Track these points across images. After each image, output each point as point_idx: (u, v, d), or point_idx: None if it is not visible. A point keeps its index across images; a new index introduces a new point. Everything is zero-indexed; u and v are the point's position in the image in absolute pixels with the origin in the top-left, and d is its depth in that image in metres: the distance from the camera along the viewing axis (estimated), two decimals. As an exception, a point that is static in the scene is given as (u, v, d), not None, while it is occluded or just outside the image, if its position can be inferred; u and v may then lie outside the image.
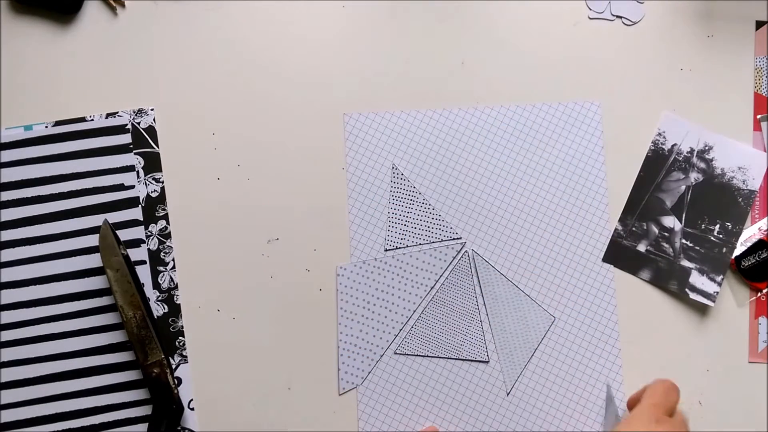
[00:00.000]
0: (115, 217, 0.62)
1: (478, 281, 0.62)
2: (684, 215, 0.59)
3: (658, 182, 0.60)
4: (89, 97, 0.64)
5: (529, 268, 0.63)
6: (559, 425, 0.61)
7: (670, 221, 0.59)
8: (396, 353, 0.62)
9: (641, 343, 0.62)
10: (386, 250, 0.63)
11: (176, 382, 0.61)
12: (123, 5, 0.64)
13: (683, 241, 0.60)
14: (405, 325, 0.62)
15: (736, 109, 0.65)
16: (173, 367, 0.61)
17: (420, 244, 0.63)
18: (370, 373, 0.61)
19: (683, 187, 0.61)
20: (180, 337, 0.61)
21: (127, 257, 0.61)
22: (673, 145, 0.61)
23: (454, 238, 0.63)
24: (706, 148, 0.61)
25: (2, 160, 0.62)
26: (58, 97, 0.63)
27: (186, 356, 0.61)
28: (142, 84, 0.64)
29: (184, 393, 0.61)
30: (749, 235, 0.62)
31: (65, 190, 0.62)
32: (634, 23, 0.66)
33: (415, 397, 0.61)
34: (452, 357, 0.61)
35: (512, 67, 0.65)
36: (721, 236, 0.60)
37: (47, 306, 0.61)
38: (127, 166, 0.63)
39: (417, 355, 0.62)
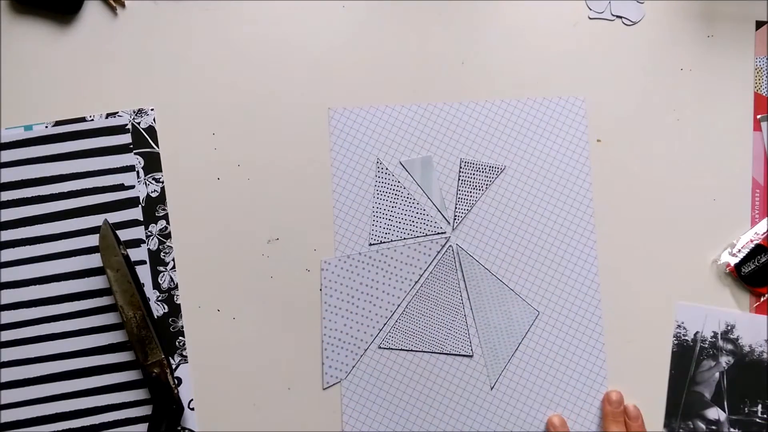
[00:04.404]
0: (115, 217, 0.62)
1: (463, 276, 0.63)
2: (726, 403, 0.58)
3: (691, 376, 0.58)
4: (89, 97, 0.64)
5: (513, 263, 0.63)
6: (543, 420, 0.61)
7: (714, 413, 0.58)
8: (380, 348, 0.62)
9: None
10: (371, 244, 0.63)
11: (176, 382, 0.61)
12: (123, 5, 0.65)
13: (731, 430, 0.59)
14: (389, 319, 0.62)
15: (736, 109, 0.65)
16: (173, 367, 0.61)
17: (404, 238, 0.63)
18: (354, 367, 0.61)
19: (717, 374, 0.59)
20: (180, 337, 0.61)
21: (127, 257, 0.61)
22: (695, 334, 0.59)
23: (438, 233, 0.63)
24: (729, 327, 0.60)
25: (2, 160, 0.62)
26: (58, 97, 0.63)
27: (186, 356, 0.61)
28: (142, 84, 0.64)
29: (184, 393, 0.61)
30: (746, 241, 0.62)
31: (65, 190, 0.62)
32: (634, 23, 0.66)
33: (399, 392, 0.61)
34: (436, 351, 0.62)
35: (512, 67, 0.65)
36: (765, 416, 0.58)
37: (47, 306, 0.61)
38: (127, 166, 0.63)
39: (401, 350, 0.62)
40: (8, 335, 0.61)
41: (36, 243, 0.62)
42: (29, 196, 0.62)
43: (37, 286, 0.61)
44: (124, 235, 0.62)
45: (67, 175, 0.63)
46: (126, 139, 0.63)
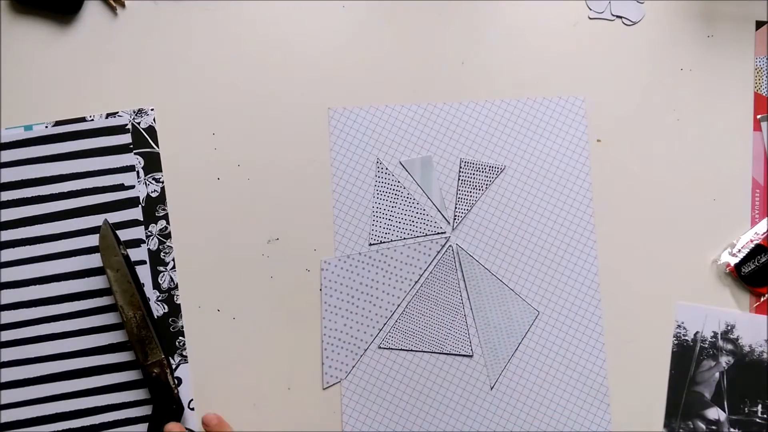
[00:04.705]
0: (115, 217, 0.62)
1: (462, 276, 0.63)
2: (725, 403, 0.58)
3: (691, 376, 0.59)
4: (89, 97, 0.64)
5: (513, 263, 0.63)
6: (543, 419, 0.61)
7: (714, 413, 0.58)
8: (380, 348, 0.62)
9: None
10: (371, 244, 0.63)
11: (176, 382, 0.61)
12: (123, 5, 0.65)
13: (731, 430, 0.59)
14: (389, 319, 0.62)
15: (736, 109, 0.65)
16: (173, 367, 0.61)
17: (404, 238, 0.63)
18: (354, 367, 0.61)
19: (717, 374, 0.59)
20: (180, 337, 0.61)
21: (127, 257, 0.61)
22: (695, 334, 0.60)
23: (438, 233, 0.63)
24: (729, 327, 0.60)
25: (2, 160, 0.62)
26: (58, 97, 0.63)
27: (186, 356, 0.61)
28: (142, 84, 0.64)
29: (184, 393, 0.61)
30: (746, 241, 0.62)
31: (65, 190, 0.62)
32: (634, 23, 0.66)
33: (399, 392, 0.61)
34: (436, 351, 0.62)
35: (512, 67, 0.65)
36: (765, 416, 0.59)
37: (47, 306, 0.61)
38: (127, 166, 0.63)
39: (401, 350, 0.62)
40: (8, 335, 0.61)
41: (36, 243, 0.62)
42: (29, 196, 0.62)
43: (37, 286, 0.61)
44: (124, 235, 0.62)
45: (67, 175, 0.63)
46: (126, 139, 0.63)
